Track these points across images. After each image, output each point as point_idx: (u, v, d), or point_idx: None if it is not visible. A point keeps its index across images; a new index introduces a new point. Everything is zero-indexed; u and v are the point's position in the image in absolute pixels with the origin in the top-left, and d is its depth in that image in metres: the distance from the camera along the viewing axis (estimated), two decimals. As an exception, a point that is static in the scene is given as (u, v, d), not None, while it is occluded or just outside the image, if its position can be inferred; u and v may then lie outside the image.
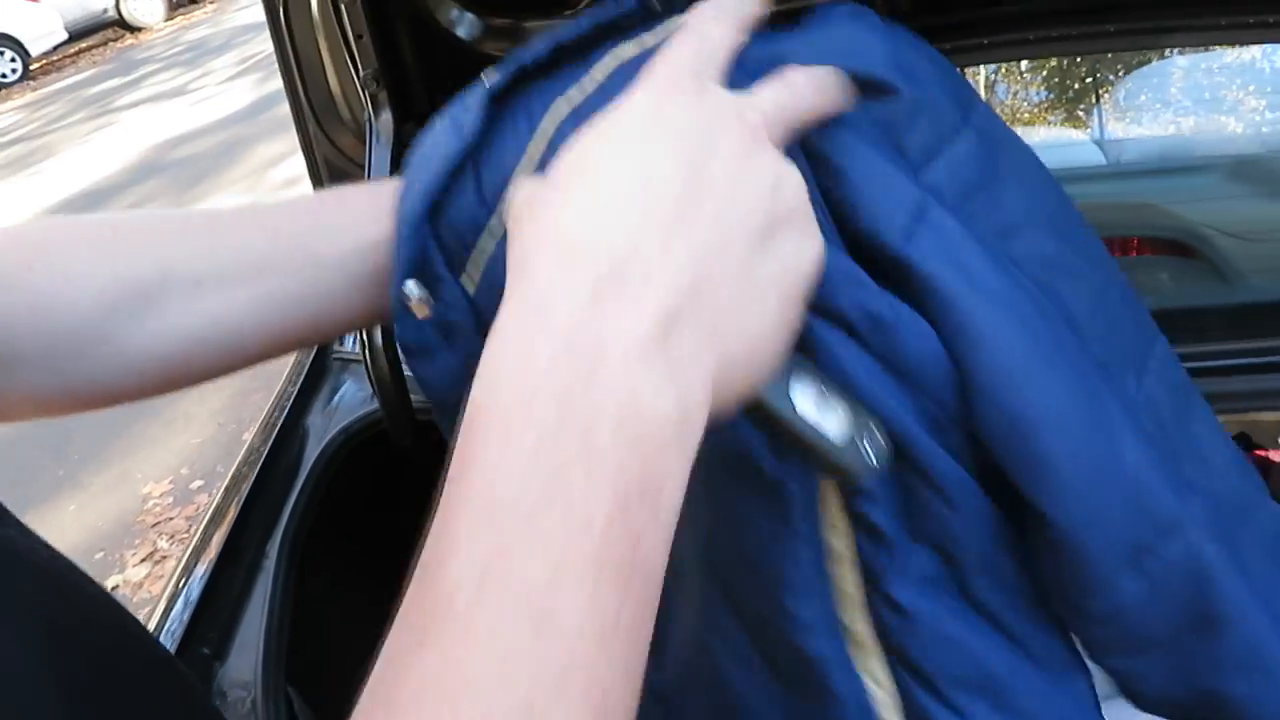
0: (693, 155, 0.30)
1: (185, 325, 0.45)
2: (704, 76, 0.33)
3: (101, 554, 2.78)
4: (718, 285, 0.29)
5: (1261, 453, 1.42)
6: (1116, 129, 1.36)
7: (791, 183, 0.32)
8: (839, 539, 0.40)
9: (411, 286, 0.42)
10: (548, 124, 0.41)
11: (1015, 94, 1.88)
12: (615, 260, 0.28)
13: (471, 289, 0.43)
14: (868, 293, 0.37)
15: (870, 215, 0.37)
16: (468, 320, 0.43)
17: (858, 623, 0.40)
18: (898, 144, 0.39)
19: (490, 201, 0.42)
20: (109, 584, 2.62)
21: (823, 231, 0.36)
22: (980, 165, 0.41)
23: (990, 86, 2.03)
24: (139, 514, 2.93)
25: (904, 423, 0.37)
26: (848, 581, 0.40)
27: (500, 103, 0.42)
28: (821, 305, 0.37)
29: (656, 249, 0.28)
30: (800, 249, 0.32)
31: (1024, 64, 1.54)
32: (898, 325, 0.37)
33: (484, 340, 0.41)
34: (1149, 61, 1.39)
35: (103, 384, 0.46)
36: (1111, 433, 0.37)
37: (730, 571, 0.44)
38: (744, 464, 0.40)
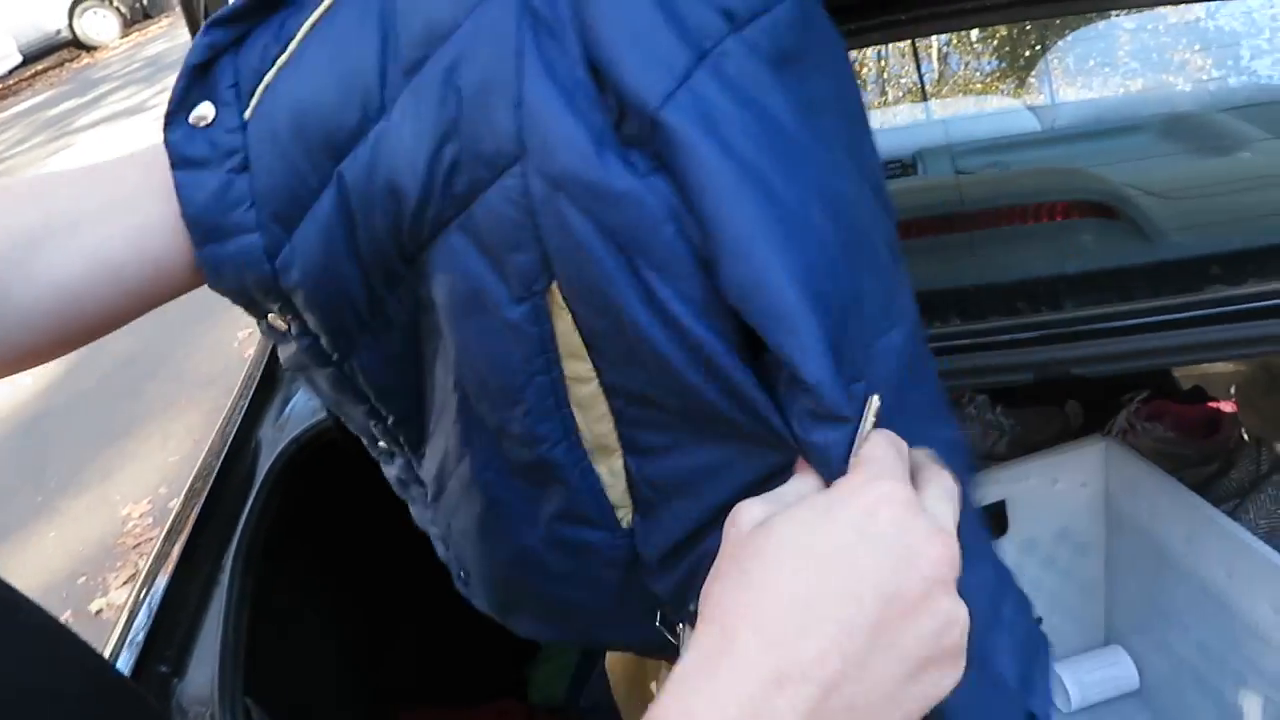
0: (891, 589, 0.35)
1: (70, 267, 0.46)
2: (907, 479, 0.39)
3: (84, 578, 2.77)
4: (872, 695, 0.35)
5: (1213, 404, 1.45)
6: (1046, 95, 1.37)
7: (959, 626, 0.37)
8: (581, 364, 0.45)
9: (205, 106, 0.45)
10: None
11: (960, 64, 1.89)
12: (803, 662, 0.34)
13: (249, 115, 0.45)
14: (590, 163, 0.39)
15: (630, 74, 0.38)
16: (237, 146, 0.45)
17: (606, 433, 0.48)
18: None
19: (284, 39, 0.44)
20: (93, 608, 2.61)
21: (569, 93, 0.39)
22: (799, 39, 0.43)
23: (943, 58, 2.05)
24: (120, 536, 2.92)
25: (618, 288, 0.40)
26: (597, 400, 0.47)
27: None
28: (548, 172, 0.39)
29: (835, 658, 0.34)
30: (942, 679, 0.37)
31: (956, 36, 1.55)
32: (624, 197, 0.39)
33: (242, 170, 0.45)
34: (1076, 28, 1.40)
35: (11, 343, 0.47)
36: (860, 298, 0.41)
37: (475, 393, 0.49)
38: (483, 305, 0.44)
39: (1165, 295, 0.82)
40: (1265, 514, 1.12)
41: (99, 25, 10.61)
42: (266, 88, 0.44)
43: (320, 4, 0.44)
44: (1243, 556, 0.97)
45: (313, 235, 0.46)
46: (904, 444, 0.41)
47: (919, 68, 1.83)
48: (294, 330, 0.51)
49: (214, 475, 0.98)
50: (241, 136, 0.45)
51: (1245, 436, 1.35)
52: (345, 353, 0.51)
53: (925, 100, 1.68)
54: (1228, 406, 1.44)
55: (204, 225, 0.46)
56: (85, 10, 10.37)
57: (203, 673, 0.81)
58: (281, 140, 0.44)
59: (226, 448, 1.01)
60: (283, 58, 0.44)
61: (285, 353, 0.54)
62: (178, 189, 0.45)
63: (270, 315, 0.51)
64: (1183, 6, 1.53)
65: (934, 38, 1.80)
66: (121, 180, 0.47)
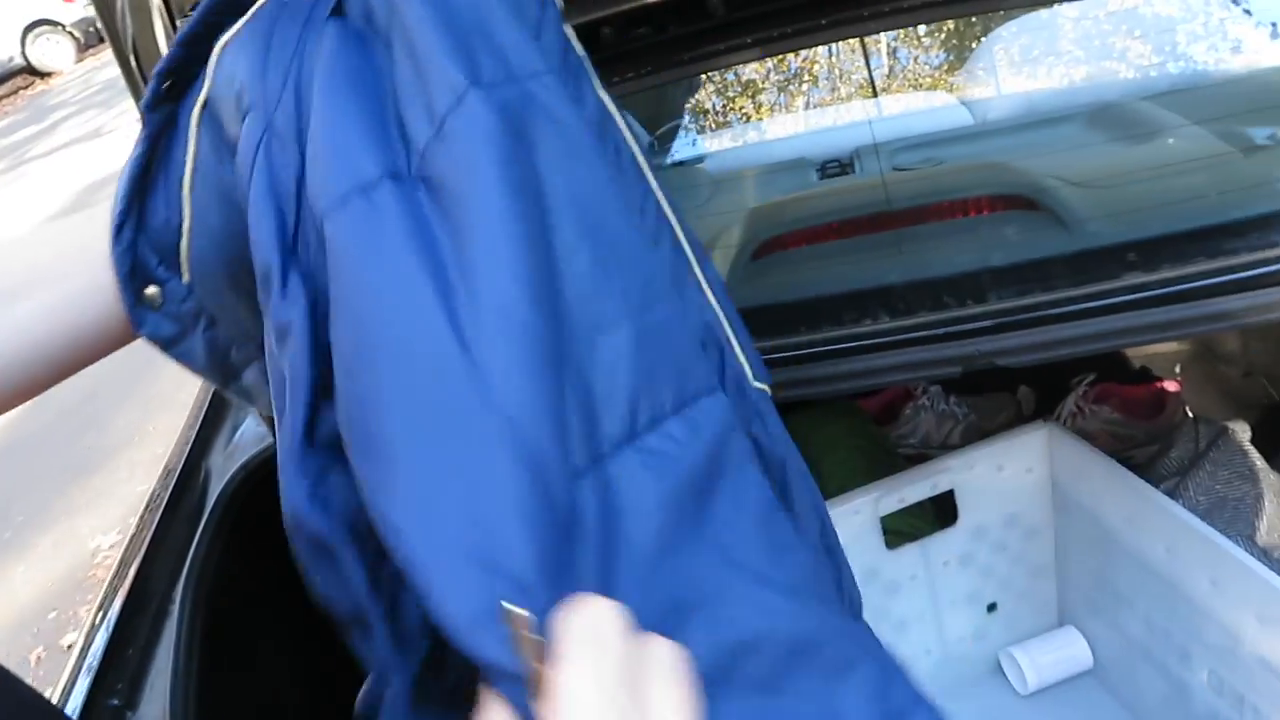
0: None
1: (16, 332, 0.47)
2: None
3: (55, 613, 2.74)
4: None
5: (1159, 384, 1.48)
6: (985, 89, 1.40)
7: None
8: None
9: (149, 291, 0.47)
10: (194, 123, 0.44)
11: (906, 61, 1.92)
12: None
13: (188, 279, 0.48)
14: (268, 275, 0.39)
15: (314, 178, 0.38)
16: (196, 307, 0.49)
17: None
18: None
19: (173, 201, 0.46)
20: (64, 642, 2.58)
21: (275, 200, 0.39)
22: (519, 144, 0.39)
23: (891, 52, 2.07)
24: (90, 569, 2.89)
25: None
26: None
27: (160, 109, 0.45)
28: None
29: None
30: None
31: (890, 33, 1.57)
32: (288, 330, 0.38)
33: (212, 326, 0.49)
34: (1015, 17, 1.43)
35: None
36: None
37: None
38: None
39: (1084, 284, 0.84)
40: (1205, 490, 1.15)
41: (53, 51, 10.49)
42: (189, 254, 0.47)
43: (184, 159, 0.45)
44: (1180, 533, 1.00)
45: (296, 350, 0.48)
46: (614, 650, 0.30)
47: (868, 64, 1.86)
48: None
49: (163, 506, 0.98)
50: (194, 299, 0.48)
51: (1190, 414, 1.38)
52: None
53: (867, 98, 1.70)
54: (1172, 386, 1.47)
55: (219, 374, 0.51)
56: (38, 37, 10.25)
57: (155, 704, 0.81)
58: (228, 295, 0.47)
59: (175, 477, 1.01)
60: (185, 224, 0.46)
61: None
62: (182, 364, 0.50)
63: None
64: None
65: (894, 36, 1.83)
66: (32, 263, 0.49)
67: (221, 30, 0.43)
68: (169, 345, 0.49)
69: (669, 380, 0.38)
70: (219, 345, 0.50)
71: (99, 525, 3.05)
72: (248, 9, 0.43)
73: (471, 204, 0.35)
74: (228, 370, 0.51)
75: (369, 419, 0.34)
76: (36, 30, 10.18)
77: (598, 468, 0.35)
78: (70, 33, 10.47)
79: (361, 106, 0.38)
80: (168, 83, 0.44)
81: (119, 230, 0.45)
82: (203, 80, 0.44)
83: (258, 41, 0.42)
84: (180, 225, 0.46)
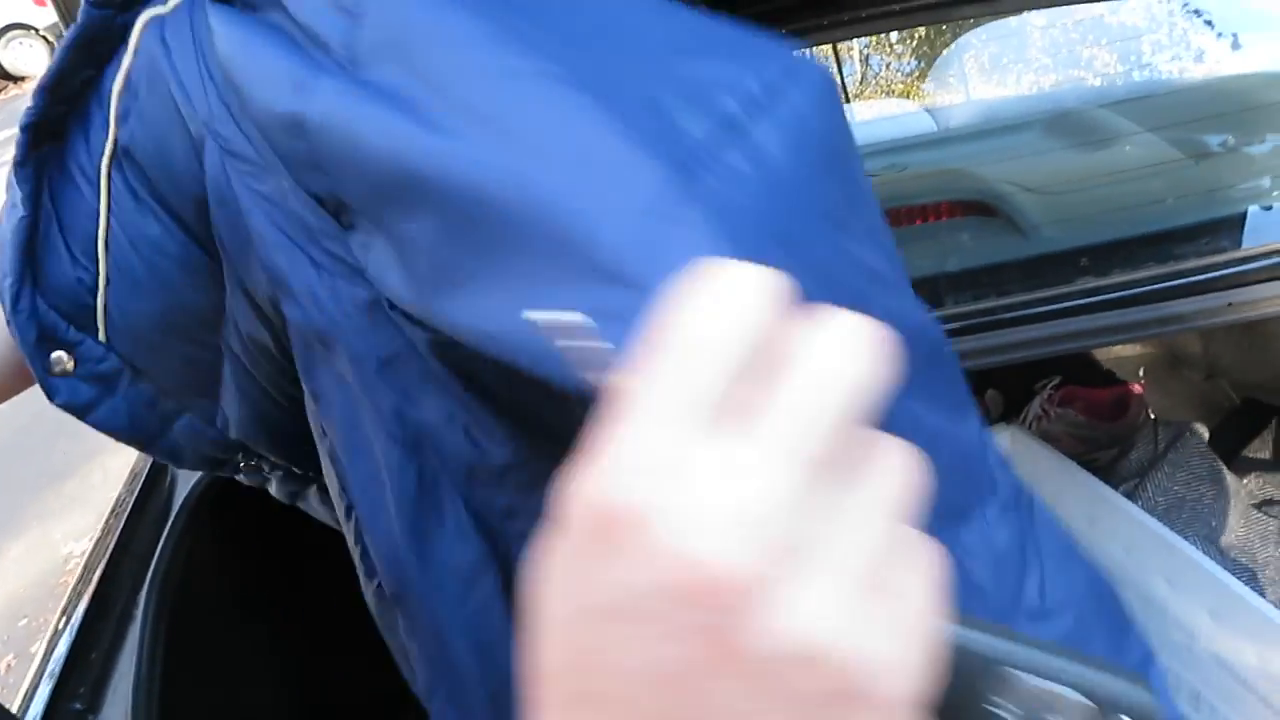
0: None
1: None
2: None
3: (26, 621, 2.72)
4: None
5: (1123, 388, 1.50)
6: (950, 96, 1.42)
7: None
8: None
9: (58, 357, 0.44)
10: (103, 175, 0.41)
11: (874, 67, 1.94)
12: None
13: (104, 337, 0.45)
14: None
15: (258, 98, 0.36)
16: (116, 365, 0.46)
17: None
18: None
19: (83, 260, 0.43)
20: (34, 650, 2.56)
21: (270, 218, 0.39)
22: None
23: (864, 60, 2.09)
24: (62, 575, 2.86)
25: None
26: None
27: (32, 164, 0.41)
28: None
29: None
30: None
31: (859, 41, 1.59)
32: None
33: (136, 381, 0.46)
34: (983, 25, 1.45)
35: None
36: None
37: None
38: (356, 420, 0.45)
39: (1039, 288, 0.85)
40: (1163, 491, 1.17)
41: (26, 55, 10.37)
42: (106, 310, 0.44)
43: (89, 213, 0.42)
44: (1138, 534, 1.01)
45: (233, 393, 0.47)
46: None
47: (840, 71, 1.88)
48: (266, 468, 0.53)
49: (129, 510, 0.98)
50: (114, 356, 0.45)
51: (1153, 416, 1.40)
52: (315, 469, 0.51)
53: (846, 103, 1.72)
54: (1136, 389, 1.49)
55: (142, 435, 0.48)
56: (11, 41, 10.14)
57: (118, 708, 0.81)
58: (158, 345, 0.45)
59: (141, 482, 1.01)
60: (102, 280, 0.43)
61: (274, 490, 0.56)
62: (104, 431, 0.47)
63: (241, 465, 0.53)
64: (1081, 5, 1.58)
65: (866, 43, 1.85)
66: None
67: (86, 70, 0.40)
68: (88, 410, 0.46)
69: (748, 56, 0.34)
70: (144, 399, 0.47)
71: (71, 531, 3.02)
72: (103, 52, 0.40)
73: (428, 32, 0.33)
74: (153, 427, 0.49)
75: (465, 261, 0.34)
76: (9, 34, 10.07)
77: (742, 139, 0.32)
78: (43, 36, 10.35)
79: (271, 41, 0.36)
80: (36, 135, 0.40)
81: (16, 300, 0.42)
82: (90, 126, 0.41)
83: (159, 73, 0.39)
84: (94, 282, 0.43)
